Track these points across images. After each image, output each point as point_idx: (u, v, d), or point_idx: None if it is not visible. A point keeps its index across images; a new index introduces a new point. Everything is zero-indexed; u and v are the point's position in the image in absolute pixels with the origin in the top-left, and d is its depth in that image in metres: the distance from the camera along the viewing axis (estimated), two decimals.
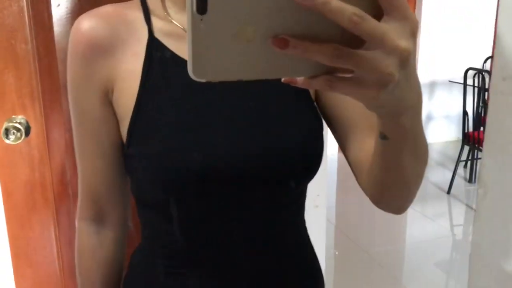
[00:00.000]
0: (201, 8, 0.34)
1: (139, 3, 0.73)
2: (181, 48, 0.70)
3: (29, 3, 1.32)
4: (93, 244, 0.81)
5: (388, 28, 0.36)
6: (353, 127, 0.71)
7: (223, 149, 0.66)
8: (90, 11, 0.73)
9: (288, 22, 0.36)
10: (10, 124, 1.34)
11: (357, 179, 0.71)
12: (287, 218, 0.77)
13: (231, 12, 0.35)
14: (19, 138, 1.34)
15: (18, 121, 1.34)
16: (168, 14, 0.71)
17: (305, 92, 0.72)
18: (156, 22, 0.72)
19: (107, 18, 0.71)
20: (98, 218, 0.81)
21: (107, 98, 0.72)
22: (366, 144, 0.68)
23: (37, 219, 1.39)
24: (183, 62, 0.64)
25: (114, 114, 0.72)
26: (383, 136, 0.50)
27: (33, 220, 1.39)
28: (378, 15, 0.37)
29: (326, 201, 1.65)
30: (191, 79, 0.37)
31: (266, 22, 0.36)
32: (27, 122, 1.35)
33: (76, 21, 0.72)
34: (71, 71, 0.72)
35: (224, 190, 0.68)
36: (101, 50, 0.70)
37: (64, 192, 1.40)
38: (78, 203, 0.83)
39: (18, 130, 1.34)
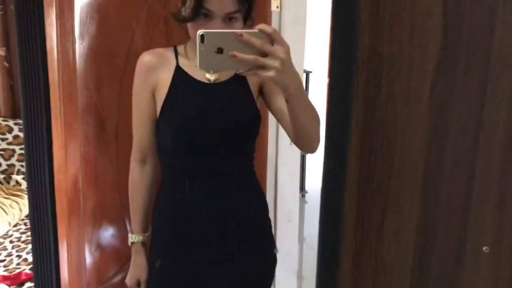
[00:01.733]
0: (202, 40, 1.01)
1: (172, 49, 1.37)
2: (194, 73, 1.32)
3: (58, 41, 1.64)
4: (141, 175, 1.41)
5: (275, 48, 0.98)
6: (276, 101, 1.33)
7: (206, 123, 1.29)
8: (148, 50, 1.36)
9: (236, 46, 0.99)
10: None
11: (287, 132, 1.29)
12: (240, 165, 1.37)
13: (214, 42, 1.01)
14: None
15: None
16: (187, 55, 1.35)
17: (248, 95, 1.36)
18: (181, 59, 1.35)
19: (155, 55, 1.35)
20: (143, 160, 1.40)
21: (153, 94, 1.33)
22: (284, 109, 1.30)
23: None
24: (193, 79, 1.31)
25: (154, 103, 1.34)
26: (286, 100, 1.09)
27: None
28: (271, 42, 0.99)
29: (300, 228, 2.09)
30: (195, 85, 1.23)
31: (228, 46, 1.00)
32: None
33: (142, 55, 1.35)
34: (137, 81, 1.34)
35: (204, 141, 1.30)
36: (151, 70, 1.32)
37: (76, 198, 1.68)
38: (132, 152, 1.40)
39: None
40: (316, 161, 5.01)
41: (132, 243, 1.41)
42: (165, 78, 1.31)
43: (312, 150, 1.18)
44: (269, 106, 1.34)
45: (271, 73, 0.98)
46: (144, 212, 1.42)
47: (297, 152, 2.15)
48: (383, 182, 1.01)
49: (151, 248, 1.40)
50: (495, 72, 0.95)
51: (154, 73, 1.32)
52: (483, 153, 0.98)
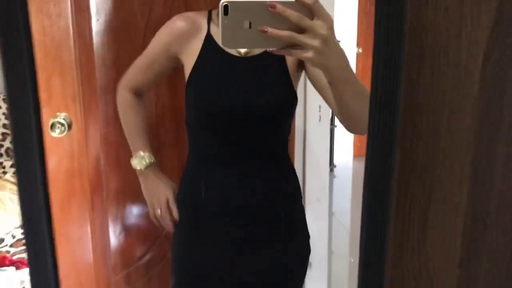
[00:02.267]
0: (225, 12, 0.84)
1: (205, 14, 1.28)
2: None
3: (74, 19, 1.57)
4: (133, 101, 1.41)
5: (315, 23, 0.82)
6: (322, 78, 1.17)
7: (232, 99, 1.19)
8: (180, 14, 1.30)
9: (268, 20, 0.82)
10: (56, 120, 1.54)
11: (332, 110, 1.19)
12: (273, 148, 1.27)
13: (239, 15, 0.83)
14: (63, 132, 1.55)
15: (62, 118, 1.55)
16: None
17: (284, 74, 1.22)
18: (213, 26, 1.25)
19: (188, 21, 1.26)
20: (135, 91, 1.42)
21: (173, 58, 1.31)
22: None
23: (75, 203, 1.61)
24: (222, 50, 1.20)
25: (167, 62, 1.33)
26: (329, 82, 0.96)
27: (72, 204, 1.60)
28: (311, 16, 0.83)
29: (330, 202, 2.06)
30: (224, 58, 1.14)
31: (257, 19, 0.82)
32: (69, 119, 1.57)
33: (173, 18, 1.29)
34: (161, 39, 1.30)
35: (227, 122, 1.20)
36: (180, 37, 1.26)
37: (98, 180, 1.64)
38: (125, 78, 1.42)
39: (62, 125, 1.55)
40: (344, 135, 4.92)
41: (150, 163, 1.36)
42: (194, 47, 1.24)
43: (363, 132, 1.04)
44: (313, 82, 1.21)
45: (309, 54, 0.83)
46: (143, 129, 1.42)
47: (326, 128, 2.06)
48: (427, 169, 0.91)
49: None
50: None
51: (182, 41, 1.26)
52: None
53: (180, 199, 1.32)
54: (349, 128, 1.10)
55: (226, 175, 1.23)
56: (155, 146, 1.73)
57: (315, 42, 0.82)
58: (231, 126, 1.20)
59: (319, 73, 1.16)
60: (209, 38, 1.22)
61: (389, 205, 0.78)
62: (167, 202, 1.35)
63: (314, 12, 0.82)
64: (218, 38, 1.20)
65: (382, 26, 0.71)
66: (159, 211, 1.35)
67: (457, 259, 0.96)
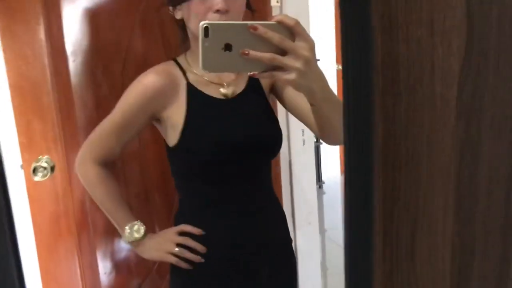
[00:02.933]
0: (206, 35, 0.81)
1: (174, 64, 1.22)
2: (207, 89, 1.19)
3: (50, 61, 1.56)
4: (103, 175, 1.26)
5: (297, 44, 0.82)
6: (293, 99, 1.24)
7: (238, 136, 1.18)
8: (151, 69, 1.21)
9: (249, 42, 0.80)
10: (38, 164, 1.52)
11: (310, 129, 1.22)
12: (266, 177, 1.29)
13: (220, 37, 0.80)
14: (46, 175, 1.54)
15: (44, 161, 1.54)
16: (192, 66, 1.21)
17: (269, 107, 1.26)
18: (189, 75, 1.20)
19: (162, 75, 1.18)
20: (103, 163, 1.27)
21: (150, 119, 1.22)
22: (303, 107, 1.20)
23: (62, 245, 1.58)
24: (209, 97, 1.16)
25: (144, 122, 1.22)
26: (310, 104, 0.98)
27: (59, 246, 1.58)
28: (292, 37, 0.82)
29: (320, 219, 2.07)
30: (213, 102, 1.09)
31: (238, 42, 0.80)
32: (52, 162, 1.55)
33: (144, 74, 1.19)
34: (133, 100, 1.18)
35: (240, 158, 1.19)
36: (158, 95, 1.17)
37: (84, 220, 1.62)
38: (88, 149, 1.28)
39: (45, 168, 1.53)
40: (331, 150, 4.91)
41: (145, 230, 1.24)
42: (179, 100, 1.15)
43: (340, 142, 1.09)
44: (284, 103, 1.23)
45: (292, 76, 0.81)
46: (123, 203, 1.29)
47: (311, 148, 2.07)
48: (411, 199, 0.91)
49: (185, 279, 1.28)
50: None
51: (161, 98, 1.15)
52: None
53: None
54: (330, 142, 1.13)
55: (229, 215, 1.22)
56: (143, 196, 1.72)
57: (298, 64, 0.81)
58: (236, 172, 1.20)
59: (295, 97, 1.18)
60: (191, 87, 1.18)
61: (371, 239, 0.78)
62: (175, 240, 1.26)
63: (296, 33, 0.81)
64: (198, 84, 1.18)
65: (350, 58, 0.72)
66: (175, 249, 1.24)
67: (447, 285, 0.97)
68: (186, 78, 1.20)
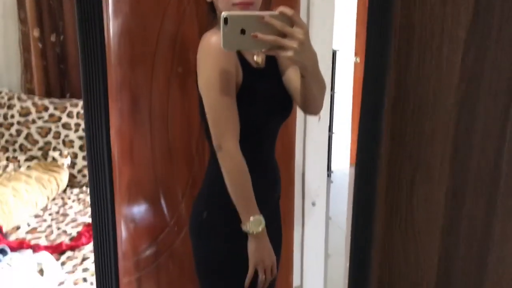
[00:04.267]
0: (225, 22, 1.07)
1: None
2: (246, 55, 1.31)
3: None
4: (246, 166, 1.25)
5: (294, 30, 1.07)
6: (287, 71, 1.38)
7: (274, 107, 1.33)
8: (208, 33, 1.28)
9: (258, 27, 1.07)
10: None
11: (294, 99, 1.36)
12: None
13: (236, 24, 1.07)
14: None
15: None
16: None
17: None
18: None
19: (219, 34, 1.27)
20: (239, 146, 1.25)
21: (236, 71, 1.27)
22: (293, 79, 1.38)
23: None
24: (249, 63, 1.28)
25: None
26: (302, 76, 1.21)
27: None
28: (291, 24, 1.07)
29: (326, 206, 2.16)
30: (257, 73, 1.26)
31: (249, 27, 1.07)
32: None
33: (211, 36, 1.25)
34: (221, 58, 1.21)
35: (275, 121, 1.35)
36: (234, 57, 1.26)
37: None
38: (229, 139, 1.25)
39: None
40: (342, 142, 5.01)
41: (263, 227, 1.26)
42: (237, 61, 1.25)
43: (317, 113, 1.35)
44: (286, 79, 1.39)
45: (289, 53, 1.04)
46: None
47: (325, 129, 2.18)
48: (413, 148, 1.03)
49: (222, 227, 1.33)
50: None
51: (232, 54, 1.24)
52: None
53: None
54: (308, 110, 1.34)
55: (264, 163, 1.36)
56: (167, 155, 1.83)
57: (294, 44, 1.04)
58: (270, 130, 1.35)
59: (290, 74, 1.35)
60: (239, 53, 1.28)
61: (376, 177, 0.89)
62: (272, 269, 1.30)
63: (293, 21, 1.05)
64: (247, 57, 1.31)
65: (373, 24, 0.84)
66: (264, 277, 1.27)
67: (439, 227, 1.08)
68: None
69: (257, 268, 1.27)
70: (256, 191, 1.25)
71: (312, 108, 1.33)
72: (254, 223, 1.24)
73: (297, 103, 1.34)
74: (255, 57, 1.31)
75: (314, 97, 1.26)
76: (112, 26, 1.76)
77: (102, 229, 1.24)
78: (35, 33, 2.80)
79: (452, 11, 0.97)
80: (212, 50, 1.21)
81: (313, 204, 2.18)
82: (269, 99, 1.31)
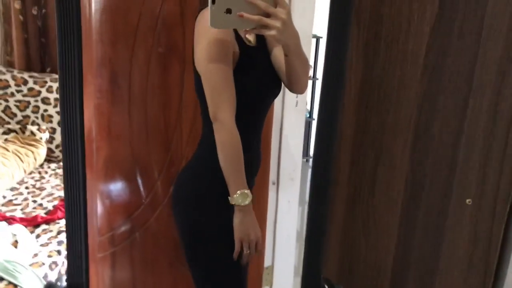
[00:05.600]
0: (213, 2, 1.13)
1: None
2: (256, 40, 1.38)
3: None
4: (239, 138, 1.27)
5: (278, 10, 1.13)
6: (279, 59, 1.42)
7: (268, 83, 1.38)
8: (203, 11, 1.31)
9: (243, 7, 1.13)
10: None
11: (282, 79, 1.41)
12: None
13: (223, 3, 1.13)
14: None
15: None
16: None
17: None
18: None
19: None
20: (234, 119, 1.28)
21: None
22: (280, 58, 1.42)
23: None
24: (243, 42, 1.31)
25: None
26: (285, 54, 1.26)
27: None
28: (274, 5, 1.14)
29: (302, 190, 2.16)
30: (252, 52, 1.28)
31: (236, 7, 1.13)
32: None
33: (202, 16, 1.30)
34: (221, 32, 1.24)
35: (264, 98, 1.39)
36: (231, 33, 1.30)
37: (89, 148, 1.77)
38: (224, 112, 1.26)
39: None
40: None
41: (250, 201, 1.29)
42: (234, 38, 1.28)
43: (302, 91, 1.37)
44: (272, 58, 1.41)
45: (273, 32, 1.10)
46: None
47: (302, 113, 2.21)
48: (377, 137, 1.08)
49: (211, 199, 1.35)
50: (486, 37, 1.00)
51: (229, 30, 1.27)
52: (471, 113, 1.04)
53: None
54: (293, 89, 1.37)
55: (253, 143, 1.40)
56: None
57: (277, 24, 1.09)
58: (262, 108, 1.39)
59: (277, 53, 1.39)
60: (235, 31, 1.31)
61: (331, 162, 0.92)
62: (256, 244, 1.32)
63: (276, 2, 1.11)
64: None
65: (335, 17, 0.89)
66: (248, 251, 1.31)
67: (398, 212, 1.13)
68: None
69: (242, 242, 1.29)
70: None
71: (297, 87, 1.36)
72: (241, 196, 1.26)
73: (283, 82, 1.38)
74: (246, 35, 1.32)
75: (298, 76, 1.30)
76: (94, 2, 1.75)
77: (74, 203, 1.26)
78: (16, 5, 2.76)
79: (418, 7, 1.02)
80: (204, 18, 1.23)
81: (273, 183, 2.19)
82: (262, 76, 1.35)
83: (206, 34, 1.24)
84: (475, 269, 1.13)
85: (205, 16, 1.25)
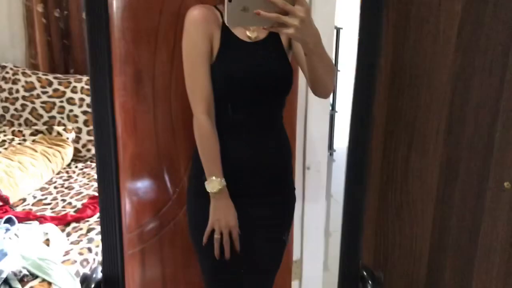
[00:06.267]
0: (229, 0, 1.10)
1: (213, 7, 1.42)
2: (236, 31, 1.38)
3: None
4: (211, 126, 1.40)
5: (296, 8, 1.10)
6: (301, 55, 1.41)
7: (253, 71, 1.38)
8: (196, 6, 1.39)
9: (260, 5, 1.10)
10: None
11: (306, 80, 1.39)
12: (276, 114, 1.47)
13: (240, 2, 1.10)
14: None
15: None
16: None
17: (284, 54, 1.46)
18: (224, 18, 1.35)
19: (206, 9, 1.39)
20: (209, 111, 1.40)
21: (210, 44, 1.38)
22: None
23: None
24: (236, 37, 1.36)
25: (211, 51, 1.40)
26: (305, 54, 1.23)
27: None
28: (292, 2, 1.11)
29: (328, 184, 2.12)
30: (240, 42, 1.33)
31: (252, 5, 1.10)
32: None
33: (193, 9, 1.37)
34: (194, 31, 1.36)
35: (253, 89, 1.38)
36: (207, 21, 1.36)
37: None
38: (196, 105, 1.40)
39: None
40: (344, 121, 5.03)
41: (223, 187, 1.38)
42: (216, 33, 1.37)
43: (326, 96, 1.35)
44: (294, 55, 1.43)
45: (291, 30, 1.08)
46: (219, 157, 1.41)
47: (326, 105, 2.19)
48: (409, 120, 1.05)
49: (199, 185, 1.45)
50: None
51: (209, 25, 1.37)
52: (507, 93, 1.01)
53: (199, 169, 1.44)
54: (316, 92, 1.35)
55: (240, 138, 1.41)
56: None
57: (295, 22, 1.07)
58: (249, 101, 1.39)
59: (299, 49, 1.37)
60: (224, 27, 1.38)
61: (366, 150, 0.91)
62: (230, 232, 1.41)
63: (295, 0, 1.09)
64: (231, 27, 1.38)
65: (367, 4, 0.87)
66: (219, 236, 1.39)
67: (433, 198, 1.11)
68: (222, 19, 1.39)
69: (214, 227, 1.38)
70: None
71: (320, 90, 1.33)
72: (212, 183, 1.37)
73: (308, 84, 1.35)
74: (248, 33, 1.39)
75: (320, 78, 1.26)
76: (115, 0, 1.76)
77: (107, 201, 1.28)
78: (39, 8, 2.80)
79: None
80: (187, 24, 1.37)
81: (308, 168, 2.18)
82: (246, 71, 1.36)
83: (185, 35, 1.38)
84: None
85: (188, 15, 1.36)
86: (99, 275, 1.04)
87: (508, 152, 1.03)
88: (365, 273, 0.80)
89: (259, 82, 1.38)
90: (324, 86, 1.30)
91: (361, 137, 0.84)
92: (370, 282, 0.78)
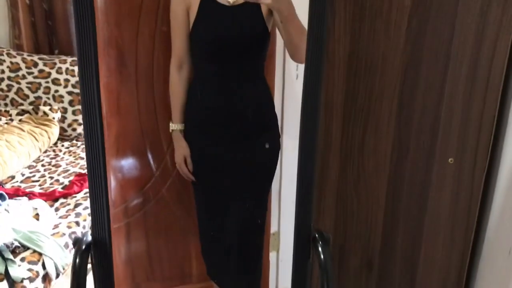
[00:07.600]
0: None
1: None
2: None
3: None
4: (178, 77, 1.63)
5: None
6: (278, 23, 1.56)
7: (224, 32, 1.52)
8: None
9: None
10: None
11: (286, 48, 1.56)
12: (252, 67, 1.61)
13: None
14: None
15: None
16: None
17: (261, 15, 1.55)
18: None
19: None
20: (180, 66, 1.61)
21: (187, 12, 1.53)
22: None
23: None
24: (216, 2, 1.49)
25: (188, 19, 1.55)
26: (280, 21, 1.37)
27: None
28: None
29: None
30: (218, 5, 1.47)
31: None
32: None
33: None
34: (173, 3, 1.53)
35: (226, 53, 1.52)
36: None
37: None
38: (171, 59, 1.63)
39: None
40: None
41: (173, 130, 1.66)
42: (195, 1, 1.50)
43: (302, 61, 1.41)
44: (276, 24, 1.55)
45: (267, 1, 1.22)
46: (181, 106, 1.66)
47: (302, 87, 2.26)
48: (365, 103, 1.16)
49: (187, 134, 1.67)
50: (463, 9, 1.07)
51: None
52: (451, 78, 1.12)
53: (189, 103, 1.64)
54: (293, 57, 1.48)
55: (221, 88, 1.57)
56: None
57: None
58: (227, 57, 1.53)
59: (277, 17, 1.49)
60: None
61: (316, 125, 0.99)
62: (185, 160, 1.66)
63: None
64: None
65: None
66: (178, 165, 1.69)
67: (386, 172, 1.22)
68: None
69: (175, 159, 1.68)
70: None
71: (296, 55, 1.47)
72: (171, 125, 1.66)
73: (287, 51, 1.49)
74: None
75: (294, 43, 1.39)
76: None
77: (95, 177, 1.36)
78: None
79: None
80: None
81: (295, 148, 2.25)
82: (220, 33, 1.50)
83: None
84: (459, 220, 1.22)
85: None
86: (89, 238, 1.14)
87: (451, 131, 1.15)
88: (316, 234, 0.91)
89: (232, 42, 1.51)
90: (299, 52, 1.41)
91: (311, 122, 0.94)
92: (320, 242, 0.89)
